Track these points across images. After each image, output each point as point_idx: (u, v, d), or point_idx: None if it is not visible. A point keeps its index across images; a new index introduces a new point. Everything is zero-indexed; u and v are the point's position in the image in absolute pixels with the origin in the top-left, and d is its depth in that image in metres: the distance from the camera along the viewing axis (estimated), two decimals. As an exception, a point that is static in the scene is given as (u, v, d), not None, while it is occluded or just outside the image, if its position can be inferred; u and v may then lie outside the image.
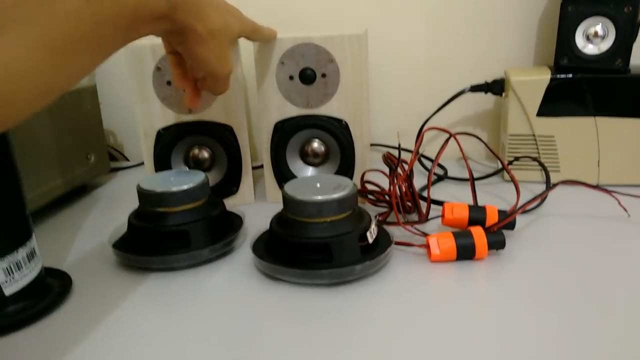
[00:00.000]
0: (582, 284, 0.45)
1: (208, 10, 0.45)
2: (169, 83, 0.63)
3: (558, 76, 0.67)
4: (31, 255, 0.46)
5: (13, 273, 0.44)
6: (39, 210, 0.65)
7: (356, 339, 0.39)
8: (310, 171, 0.68)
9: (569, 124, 0.68)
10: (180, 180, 0.53)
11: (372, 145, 0.85)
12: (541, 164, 0.67)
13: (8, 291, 0.44)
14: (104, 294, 0.47)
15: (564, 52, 0.67)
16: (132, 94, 0.64)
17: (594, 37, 0.65)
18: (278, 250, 0.49)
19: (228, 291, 0.47)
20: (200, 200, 0.53)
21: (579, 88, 0.66)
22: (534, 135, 0.70)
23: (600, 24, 0.65)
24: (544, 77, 0.67)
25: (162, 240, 0.46)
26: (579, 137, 0.68)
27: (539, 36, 0.80)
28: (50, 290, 0.48)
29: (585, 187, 0.58)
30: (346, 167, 0.66)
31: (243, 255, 0.54)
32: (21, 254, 0.45)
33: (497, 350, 0.37)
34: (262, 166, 0.70)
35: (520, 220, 0.54)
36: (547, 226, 0.57)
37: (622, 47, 0.64)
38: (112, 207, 0.71)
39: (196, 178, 0.53)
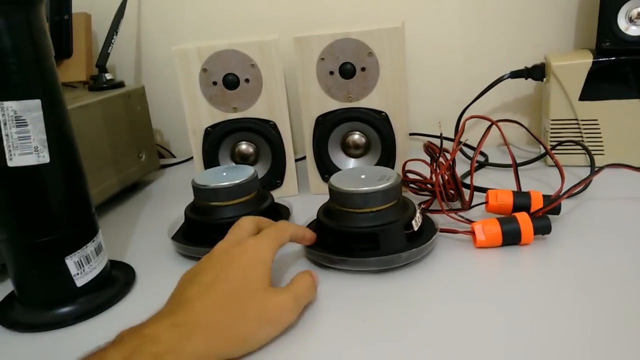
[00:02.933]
0: (630, 267, 0.45)
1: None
2: (214, 83, 0.66)
3: (600, 59, 0.66)
4: (98, 250, 0.50)
5: (83, 266, 0.47)
6: (97, 207, 0.68)
7: (406, 323, 0.41)
8: (352, 163, 0.69)
9: (613, 107, 0.67)
10: (232, 175, 0.56)
11: (411, 134, 0.86)
12: (585, 148, 0.67)
13: (79, 283, 0.47)
14: (166, 283, 0.50)
15: (605, 35, 0.66)
16: (180, 94, 0.67)
17: (637, 18, 0.64)
18: (327, 239, 0.51)
19: (281, 280, 0.49)
20: (252, 194, 0.56)
21: (622, 70, 0.65)
22: (576, 119, 0.69)
23: (644, 4, 0.64)
24: (586, 60, 0.66)
25: (218, 232, 0.48)
26: (623, 120, 0.67)
27: (579, 19, 0.79)
28: (116, 282, 0.52)
29: (631, 170, 0.58)
30: (387, 158, 0.67)
31: (293, 245, 0.56)
32: (90, 248, 0.48)
33: (545, 335, 0.38)
34: (304, 158, 0.72)
35: (565, 204, 0.55)
36: (593, 210, 0.57)
37: (667, 27, 0.63)
38: (165, 202, 0.75)
39: (246, 173, 0.56)
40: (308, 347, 0.40)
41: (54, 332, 0.45)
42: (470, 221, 0.53)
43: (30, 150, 0.43)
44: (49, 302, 0.47)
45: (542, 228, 0.50)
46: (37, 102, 0.43)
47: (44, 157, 0.44)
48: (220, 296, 0.39)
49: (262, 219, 0.49)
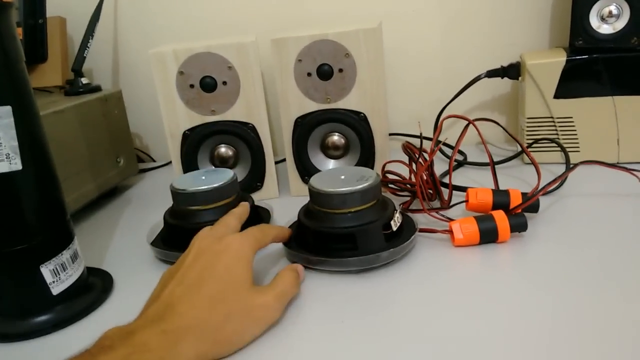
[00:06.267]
0: (605, 263, 0.46)
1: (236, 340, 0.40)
2: (192, 86, 0.65)
3: (574, 57, 0.67)
4: (74, 257, 0.49)
5: (59, 274, 0.47)
6: (75, 213, 0.68)
7: (384, 323, 0.41)
8: (331, 164, 0.69)
9: (587, 105, 0.68)
10: (211, 179, 0.55)
11: (390, 135, 0.86)
12: (560, 146, 0.68)
13: (55, 291, 0.47)
14: (144, 289, 0.49)
15: (578, 33, 0.67)
16: (157, 97, 0.66)
17: (609, 16, 0.65)
18: (307, 240, 0.51)
19: (262, 280, 0.49)
20: (231, 197, 0.55)
21: (595, 68, 0.66)
22: (552, 117, 0.70)
23: (614, 3, 0.65)
24: (560, 59, 0.67)
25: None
26: (597, 117, 0.68)
27: (553, 18, 0.80)
28: (93, 289, 0.51)
29: (605, 167, 0.59)
30: (366, 159, 0.67)
31: (273, 246, 0.55)
32: (65, 256, 0.47)
33: (522, 332, 0.38)
34: (283, 160, 0.72)
35: (542, 202, 0.55)
36: (569, 207, 0.58)
37: (637, 26, 0.64)
38: (144, 207, 0.74)
39: (225, 176, 0.56)
40: (288, 348, 0.39)
41: (31, 341, 0.44)
42: (450, 220, 0.53)
43: (1, 157, 0.42)
44: (24, 311, 0.46)
45: (519, 225, 0.51)
46: (8, 109, 0.42)
47: (16, 164, 0.43)
48: (206, 297, 0.39)
49: (244, 214, 0.49)
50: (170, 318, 0.37)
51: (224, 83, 0.65)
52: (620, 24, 0.65)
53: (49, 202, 0.47)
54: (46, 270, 0.46)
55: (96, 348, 0.35)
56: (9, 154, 0.42)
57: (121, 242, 0.63)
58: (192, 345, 0.36)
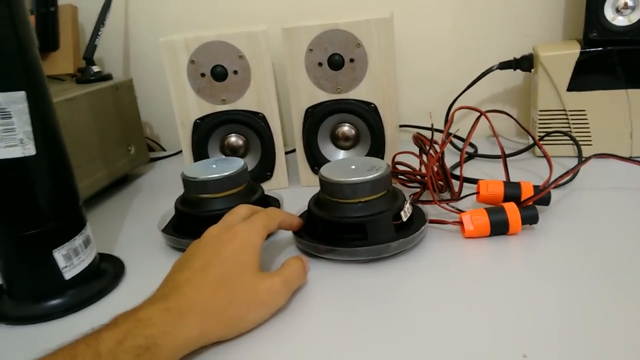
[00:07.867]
0: (616, 256, 0.46)
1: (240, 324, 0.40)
2: (202, 75, 0.65)
3: (588, 50, 0.66)
4: (87, 242, 0.49)
5: (72, 259, 0.47)
6: (87, 200, 0.68)
7: (394, 313, 0.41)
8: (341, 154, 0.69)
9: (600, 97, 0.67)
10: (222, 167, 0.56)
11: (401, 126, 0.86)
12: (572, 138, 0.67)
13: (68, 275, 0.47)
14: (155, 275, 0.50)
15: (593, 25, 0.66)
16: (168, 86, 0.66)
17: (624, 8, 0.64)
18: (316, 229, 0.51)
19: (271, 267, 0.50)
20: (242, 186, 0.56)
21: (609, 61, 0.66)
22: (564, 110, 0.69)
23: (630, -6, 0.64)
24: (574, 51, 0.67)
25: (208, 224, 0.48)
26: (610, 110, 0.68)
27: (567, 10, 0.79)
28: (105, 274, 0.51)
29: (618, 160, 0.58)
30: (376, 150, 0.67)
31: (283, 235, 0.56)
32: (78, 241, 0.48)
33: (531, 324, 0.38)
34: (293, 151, 0.72)
35: (553, 194, 0.55)
36: (581, 200, 0.58)
37: (653, 17, 0.64)
38: (154, 195, 0.75)
39: (236, 165, 0.56)
40: (295, 334, 0.40)
41: (43, 324, 0.45)
42: (460, 211, 0.53)
43: (15, 142, 0.42)
44: (37, 294, 0.47)
45: (530, 218, 0.51)
46: (22, 94, 0.42)
47: (30, 150, 0.43)
48: (212, 280, 0.40)
49: (257, 208, 0.49)
50: (175, 298, 0.38)
51: (235, 72, 0.65)
52: (636, 16, 0.64)
53: (62, 187, 0.47)
54: (59, 255, 0.46)
55: (102, 327, 0.35)
56: (22, 139, 0.43)
57: (132, 229, 0.63)
58: (196, 323, 0.37)
